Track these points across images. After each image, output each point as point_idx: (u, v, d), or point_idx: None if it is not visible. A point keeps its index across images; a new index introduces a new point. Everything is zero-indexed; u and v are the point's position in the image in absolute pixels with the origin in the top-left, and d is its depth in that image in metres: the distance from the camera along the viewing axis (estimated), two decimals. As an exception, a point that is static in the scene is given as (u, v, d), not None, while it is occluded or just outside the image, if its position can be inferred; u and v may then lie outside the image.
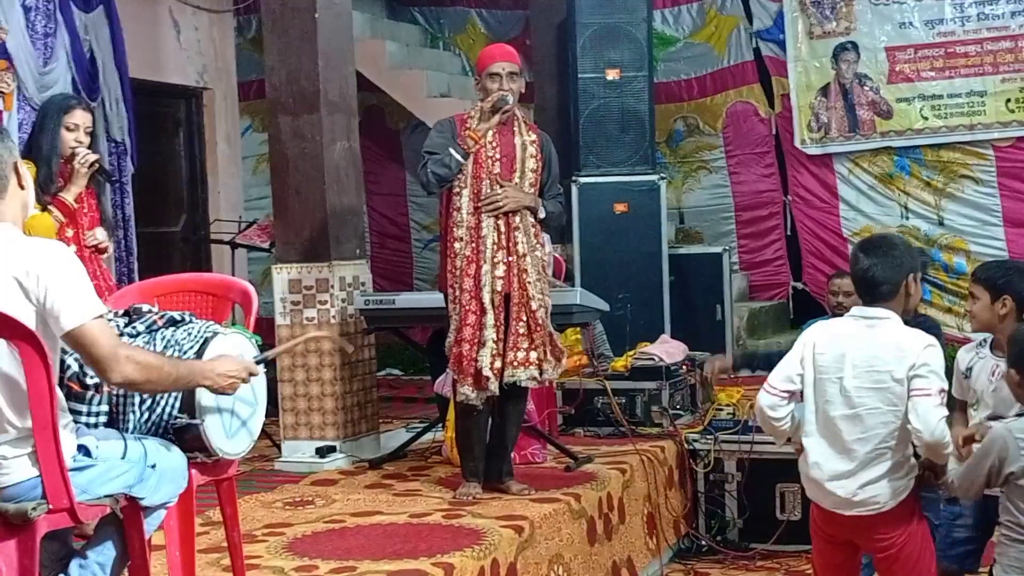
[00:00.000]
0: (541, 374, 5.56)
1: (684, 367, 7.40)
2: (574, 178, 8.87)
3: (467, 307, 5.46)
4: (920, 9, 9.63)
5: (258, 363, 3.76)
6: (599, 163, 8.94)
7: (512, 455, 5.91)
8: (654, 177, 8.91)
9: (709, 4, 10.37)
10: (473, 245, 5.47)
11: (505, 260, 5.49)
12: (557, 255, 7.52)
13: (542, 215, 5.63)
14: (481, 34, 11.11)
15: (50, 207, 5.24)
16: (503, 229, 5.50)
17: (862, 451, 4.06)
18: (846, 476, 4.09)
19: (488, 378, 5.42)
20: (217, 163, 9.95)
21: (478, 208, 5.48)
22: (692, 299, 9.12)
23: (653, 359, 7.20)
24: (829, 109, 9.92)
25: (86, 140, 5.43)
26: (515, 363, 5.46)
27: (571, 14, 9.00)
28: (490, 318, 5.44)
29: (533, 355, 5.51)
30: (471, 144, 5.48)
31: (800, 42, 9.98)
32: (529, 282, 5.51)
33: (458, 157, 5.46)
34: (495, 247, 5.47)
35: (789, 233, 10.24)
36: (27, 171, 3.41)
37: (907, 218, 9.78)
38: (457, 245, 5.49)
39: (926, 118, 9.69)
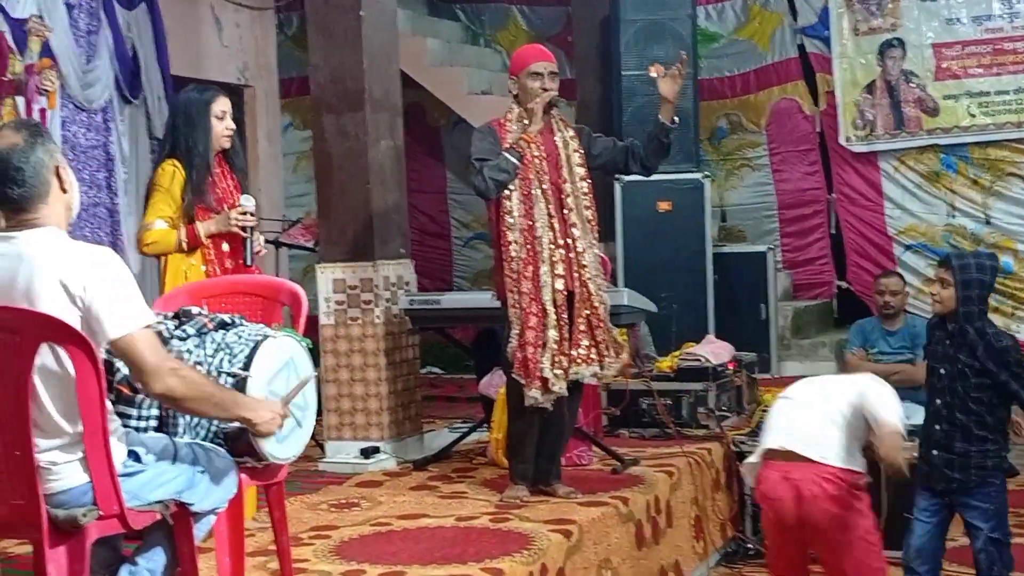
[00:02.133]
0: (602, 369, 5.51)
1: (730, 367, 7.31)
2: (617, 176, 8.78)
3: (528, 310, 5.37)
4: (968, 5, 9.49)
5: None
6: (643, 161, 8.84)
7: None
8: (698, 175, 8.82)
9: (753, 0, 10.26)
10: (528, 247, 5.39)
11: (564, 258, 5.42)
12: (601, 254, 7.44)
13: (675, 121, 5.63)
14: (523, 31, 11.04)
15: (181, 229, 5.10)
16: (558, 227, 5.43)
17: None
18: None
19: (550, 379, 5.34)
20: (259, 160, 9.93)
21: (530, 210, 5.41)
22: (736, 298, 9.03)
23: (699, 360, 7.12)
24: (875, 106, 9.80)
25: (232, 125, 5.31)
26: (577, 360, 5.40)
27: (614, 11, 8.93)
28: (552, 318, 5.36)
29: (594, 352, 5.45)
30: (525, 147, 5.41)
31: (845, 38, 9.86)
32: (588, 278, 5.45)
33: (515, 161, 5.38)
34: (552, 246, 5.40)
35: (833, 231, 10.12)
36: (71, 175, 3.35)
37: (953, 216, 9.65)
38: (512, 248, 5.40)
39: (973, 115, 9.56)
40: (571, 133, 5.61)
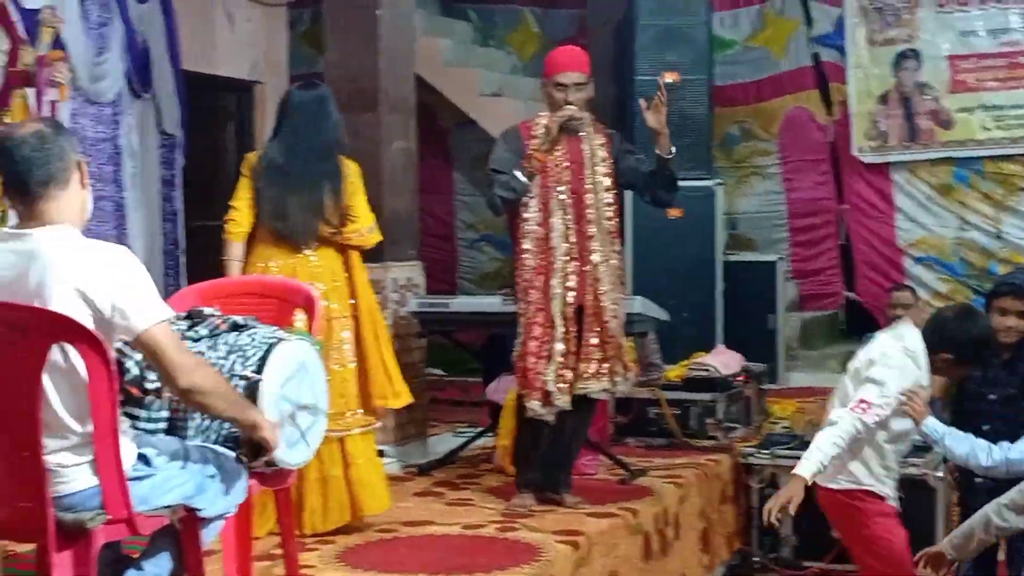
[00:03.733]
0: (614, 386, 5.41)
1: (740, 378, 7.25)
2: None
3: (533, 319, 5.28)
4: (985, 18, 9.43)
5: None
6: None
7: None
8: (710, 183, 8.77)
9: (768, 7, 10.19)
10: (542, 256, 5.29)
11: (578, 270, 5.29)
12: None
13: (671, 152, 5.39)
14: (534, 33, 10.97)
15: None
16: (574, 239, 5.30)
17: None
18: None
19: (552, 393, 5.25)
20: (267, 158, 9.84)
21: (547, 218, 5.29)
22: (743, 308, 8.95)
23: (708, 370, 7.06)
24: (888, 117, 9.72)
25: None
26: (587, 375, 5.30)
27: (630, 15, 8.87)
28: (559, 331, 5.26)
29: (605, 367, 5.34)
30: (536, 165, 5.28)
31: (860, 49, 9.78)
32: (602, 292, 5.32)
33: (524, 180, 5.26)
34: (565, 257, 5.28)
35: (843, 242, 10.05)
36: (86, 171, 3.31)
37: (965, 230, 9.57)
38: (525, 256, 5.31)
39: (988, 129, 9.49)
40: (601, 140, 5.44)
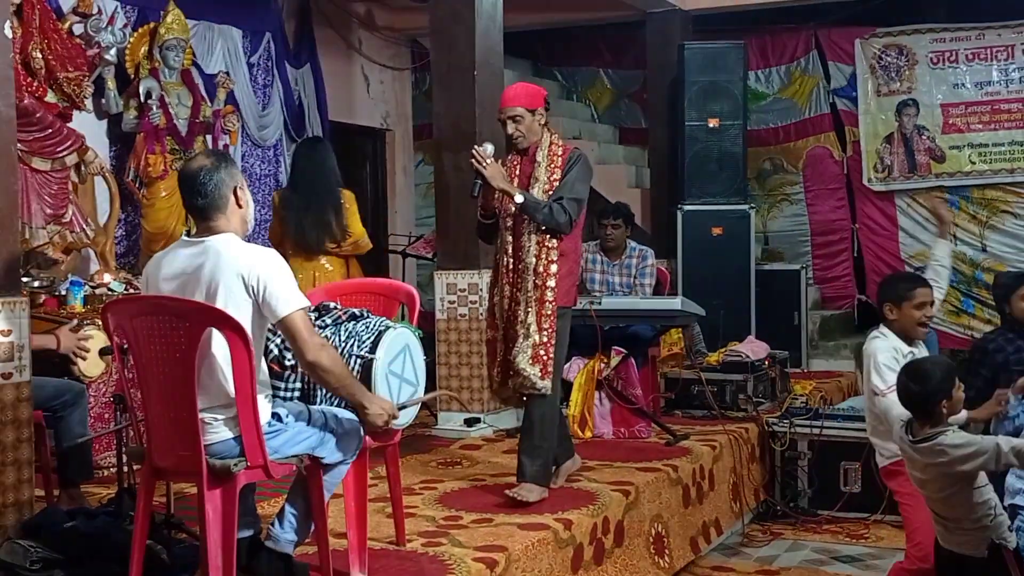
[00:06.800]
0: (534, 386, 4.64)
1: (766, 362, 7.13)
2: (679, 206, 8.69)
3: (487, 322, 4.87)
4: (971, 73, 9.25)
5: (400, 408, 3.61)
6: (700, 194, 8.71)
7: (550, 456, 4.85)
8: (745, 207, 8.66)
9: (795, 67, 10.05)
10: (494, 271, 4.83)
11: (510, 280, 4.68)
12: (662, 268, 7.31)
13: (519, 199, 4.51)
14: (607, 88, 10.92)
15: None
16: (511, 251, 4.67)
17: None
18: None
19: (494, 384, 4.89)
20: (395, 189, 9.95)
21: (497, 232, 4.76)
22: (774, 307, 8.81)
23: (741, 355, 6.96)
24: (892, 154, 9.56)
25: None
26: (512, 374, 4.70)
27: (681, 73, 8.78)
28: (500, 333, 4.75)
29: (527, 371, 4.63)
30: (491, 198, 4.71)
31: (869, 99, 9.64)
32: (529, 300, 4.58)
33: (479, 218, 4.81)
34: (505, 270, 4.70)
35: (856, 255, 9.87)
36: (248, 195, 3.37)
37: (956, 244, 9.32)
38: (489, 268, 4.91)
39: (974, 163, 9.31)
40: (548, 162, 4.61)
